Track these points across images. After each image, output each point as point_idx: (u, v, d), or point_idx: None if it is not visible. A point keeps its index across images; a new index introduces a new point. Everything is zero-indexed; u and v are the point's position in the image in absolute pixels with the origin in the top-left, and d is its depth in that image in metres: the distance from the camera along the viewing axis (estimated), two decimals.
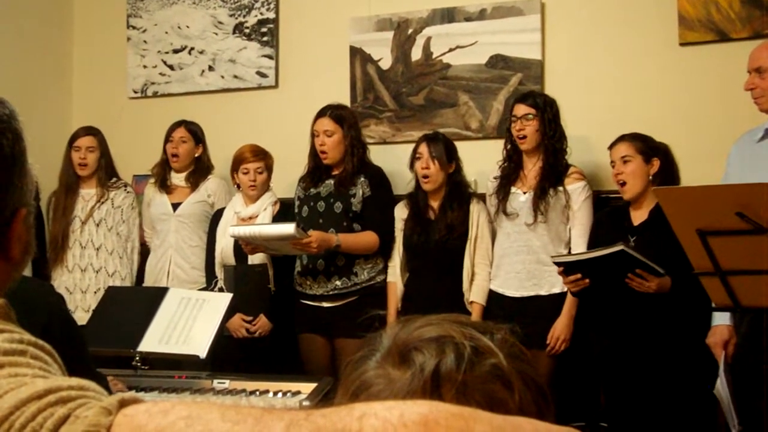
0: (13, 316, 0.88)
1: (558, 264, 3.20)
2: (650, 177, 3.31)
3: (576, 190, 3.49)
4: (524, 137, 3.53)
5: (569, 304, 3.42)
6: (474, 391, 0.76)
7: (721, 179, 3.16)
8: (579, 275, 3.14)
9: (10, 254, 0.97)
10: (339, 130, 3.76)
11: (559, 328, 3.41)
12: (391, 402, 0.61)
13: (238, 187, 3.92)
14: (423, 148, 3.65)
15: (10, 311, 0.89)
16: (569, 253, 3.45)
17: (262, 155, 3.87)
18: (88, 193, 4.15)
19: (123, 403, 0.66)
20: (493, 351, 0.80)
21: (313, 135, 3.81)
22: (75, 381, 0.73)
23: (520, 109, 3.55)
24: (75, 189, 4.15)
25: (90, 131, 4.18)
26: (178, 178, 4.14)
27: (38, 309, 1.95)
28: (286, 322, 3.81)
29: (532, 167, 3.57)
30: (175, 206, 4.09)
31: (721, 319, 2.96)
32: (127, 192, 4.22)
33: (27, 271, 3.73)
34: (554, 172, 3.50)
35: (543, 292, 3.48)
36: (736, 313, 2.81)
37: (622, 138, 3.37)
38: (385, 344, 0.82)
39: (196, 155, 4.16)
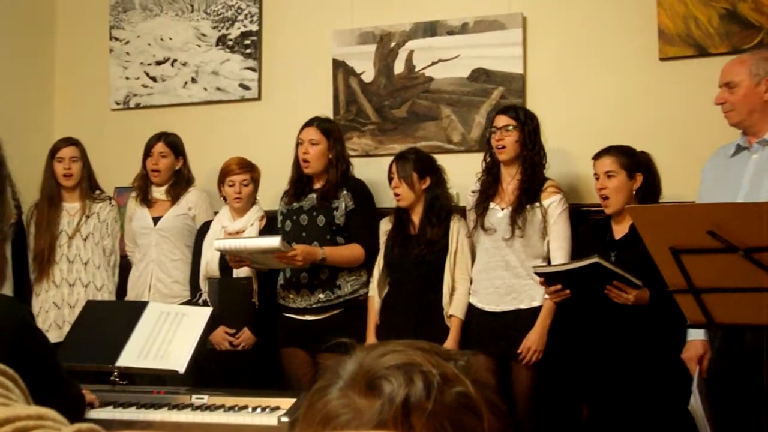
0: None
1: (539, 275, 3.23)
2: (633, 192, 3.33)
3: (552, 203, 3.51)
4: (503, 147, 3.55)
5: (544, 316, 3.44)
6: (444, 420, 0.76)
7: (698, 193, 3.18)
8: (560, 286, 3.16)
9: None
10: (324, 141, 3.77)
11: (532, 339, 3.42)
12: None
13: (225, 199, 3.91)
14: (393, 168, 3.70)
15: None
16: (549, 264, 3.47)
17: (248, 168, 3.87)
18: (72, 207, 4.11)
19: None
20: (461, 379, 0.79)
21: (298, 144, 3.81)
22: (34, 410, 0.73)
23: (501, 120, 3.57)
24: (58, 201, 4.11)
25: (71, 141, 4.16)
26: (158, 192, 4.12)
27: (5, 325, 1.94)
28: (269, 335, 3.80)
29: (510, 180, 3.59)
30: (156, 220, 4.07)
31: (696, 335, 2.98)
32: (111, 205, 4.20)
33: (9, 284, 3.73)
34: (532, 187, 3.52)
35: (523, 306, 3.49)
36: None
37: (608, 151, 3.37)
38: (348, 372, 0.81)
39: (177, 168, 4.14)
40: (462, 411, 0.77)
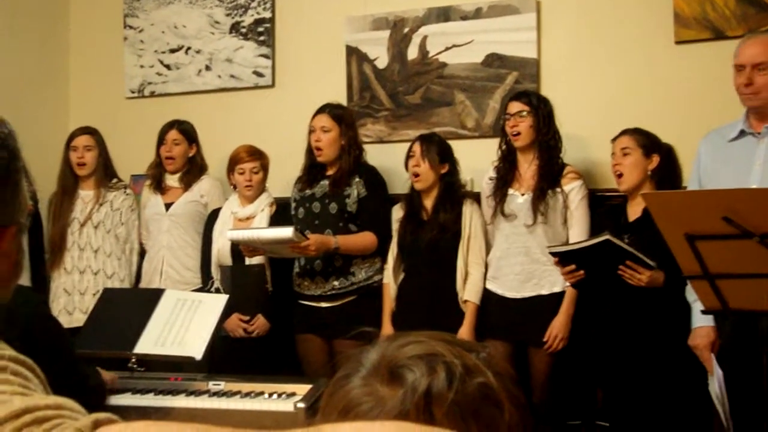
0: None
1: (554, 254, 3.19)
2: (648, 172, 3.31)
3: (573, 189, 3.50)
4: (518, 134, 3.54)
5: (568, 303, 3.43)
6: (465, 410, 0.77)
7: (690, 176, 3.13)
8: (574, 266, 3.12)
9: None
10: (336, 128, 3.77)
11: (557, 327, 3.41)
12: (359, 423, 0.61)
13: (235, 187, 3.92)
14: (416, 147, 3.69)
15: None
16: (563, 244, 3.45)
17: (257, 155, 3.88)
18: (87, 194, 4.15)
19: (97, 424, 0.67)
20: (482, 370, 0.80)
21: (310, 131, 3.81)
22: (52, 400, 0.74)
23: (514, 107, 3.56)
24: (73, 190, 4.14)
25: (87, 130, 4.18)
26: (171, 179, 4.15)
27: (21, 316, 1.96)
28: (283, 322, 3.81)
29: (528, 167, 3.57)
30: (168, 206, 4.09)
31: (704, 321, 2.94)
32: (127, 194, 4.22)
33: (26, 274, 3.77)
34: (551, 172, 3.50)
35: (544, 292, 3.48)
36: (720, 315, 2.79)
37: (626, 131, 3.38)
38: (370, 361, 0.82)
39: (190, 155, 4.16)
40: (483, 402, 0.78)
